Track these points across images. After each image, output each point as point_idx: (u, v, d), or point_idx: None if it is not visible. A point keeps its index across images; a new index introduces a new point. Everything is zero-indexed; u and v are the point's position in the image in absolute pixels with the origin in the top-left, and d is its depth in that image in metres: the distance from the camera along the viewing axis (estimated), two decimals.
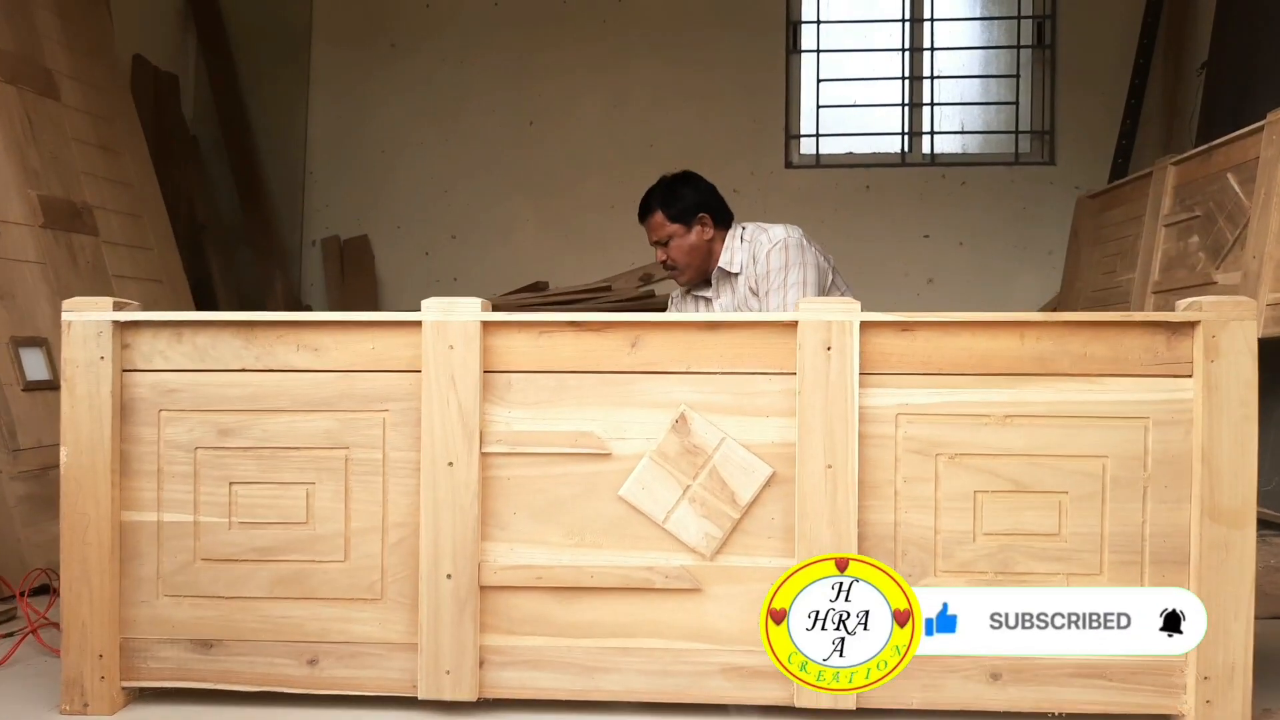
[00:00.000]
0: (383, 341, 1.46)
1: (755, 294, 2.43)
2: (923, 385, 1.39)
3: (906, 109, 4.24)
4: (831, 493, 1.36)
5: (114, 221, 2.83)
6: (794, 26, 4.25)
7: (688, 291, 2.57)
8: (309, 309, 4.22)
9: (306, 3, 4.31)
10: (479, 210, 4.28)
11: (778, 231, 2.41)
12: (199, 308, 3.97)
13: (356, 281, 4.23)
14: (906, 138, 4.25)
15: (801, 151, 4.27)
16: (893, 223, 4.16)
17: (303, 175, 4.32)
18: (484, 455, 1.41)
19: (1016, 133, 4.20)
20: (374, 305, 4.21)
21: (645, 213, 2.49)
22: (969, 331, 1.40)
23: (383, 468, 1.42)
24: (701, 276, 2.51)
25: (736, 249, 2.46)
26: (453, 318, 1.45)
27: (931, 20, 4.24)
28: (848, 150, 4.30)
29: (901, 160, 4.23)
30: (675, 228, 2.44)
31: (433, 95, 4.28)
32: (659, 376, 1.43)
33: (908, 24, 4.25)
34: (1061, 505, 1.37)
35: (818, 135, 4.25)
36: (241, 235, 4.19)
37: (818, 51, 4.25)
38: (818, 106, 4.25)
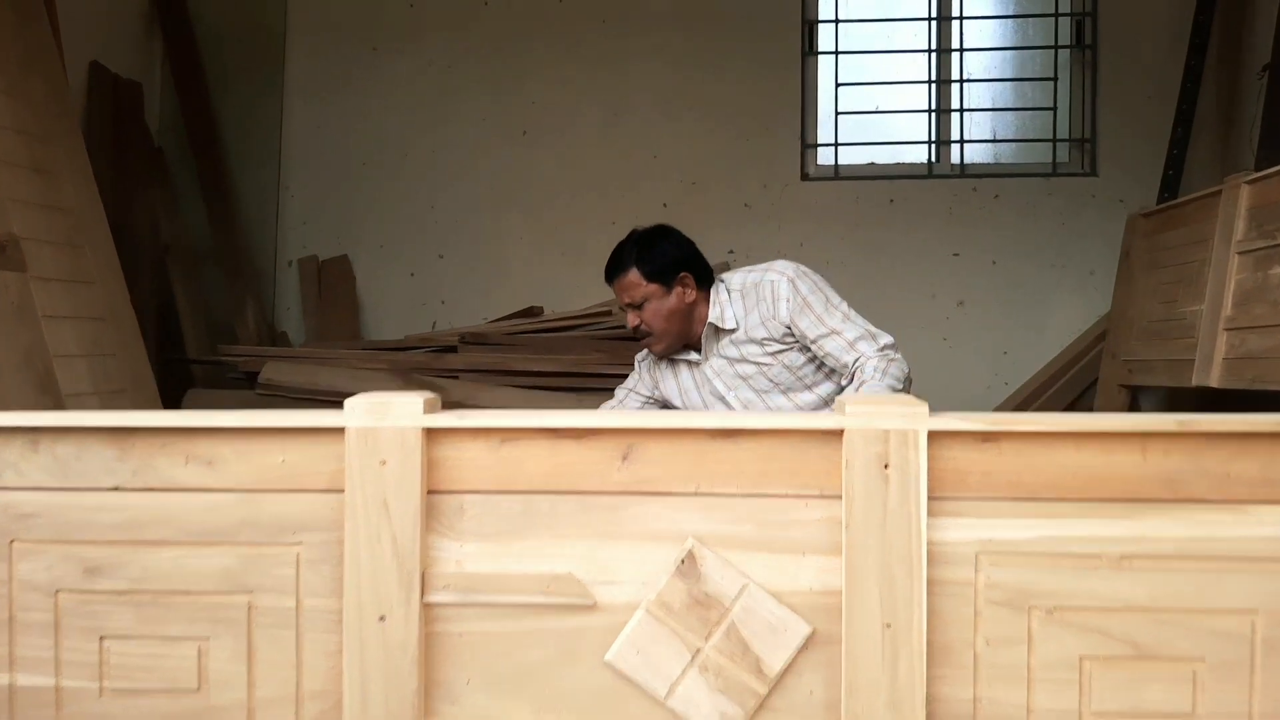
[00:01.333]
0: (296, 453, 1.12)
1: (778, 338, 2.07)
2: (1011, 515, 1.04)
3: (933, 115, 3.89)
4: (891, 659, 1.02)
5: (47, 254, 2.49)
6: (810, 26, 3.90)
7: (662, 358, 2.21)
8: (284, 336, 3.89)
9: (281, 3, 3.98)
10: (468, 227, 3.95)
11: (783, 265, 2.08)
12: (163, 337, 3.65)
13: (336, 305, 3.90)
14: (933, 147, 3.89)
15: (819, 162, 3.92)
16: (919, 240, 3.81)
17: (277, 190, 3.98)
18: (426, 606, 1.07)
19: (1054, 141, 3.84)
20: (355, 331, 3.88)
21: (616, 270, 2.11)
22: (1073, 443, 1.05)
23: (296, 620, 1.08)
24: (679, 344, 2.16)
25: (727, 303, 2.11)
26: (386, 423, 1.11)
27: (960, 18, 3.88)
28: (869, 161, 3.94)
29: (928, 171, 3.88)
30: (652, 288, 2.07)
31: (418, 102, 3.95)
32: (659, 499, 1.09)
33: (934, 23, 3.89)
34: (1196, 677, 1.03)
35: (836, 144, 3.90)
36: (210, 255, 3.86)
37: (836, 53, 3.90)
38: (836, 113, 3.89)
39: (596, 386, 3.33)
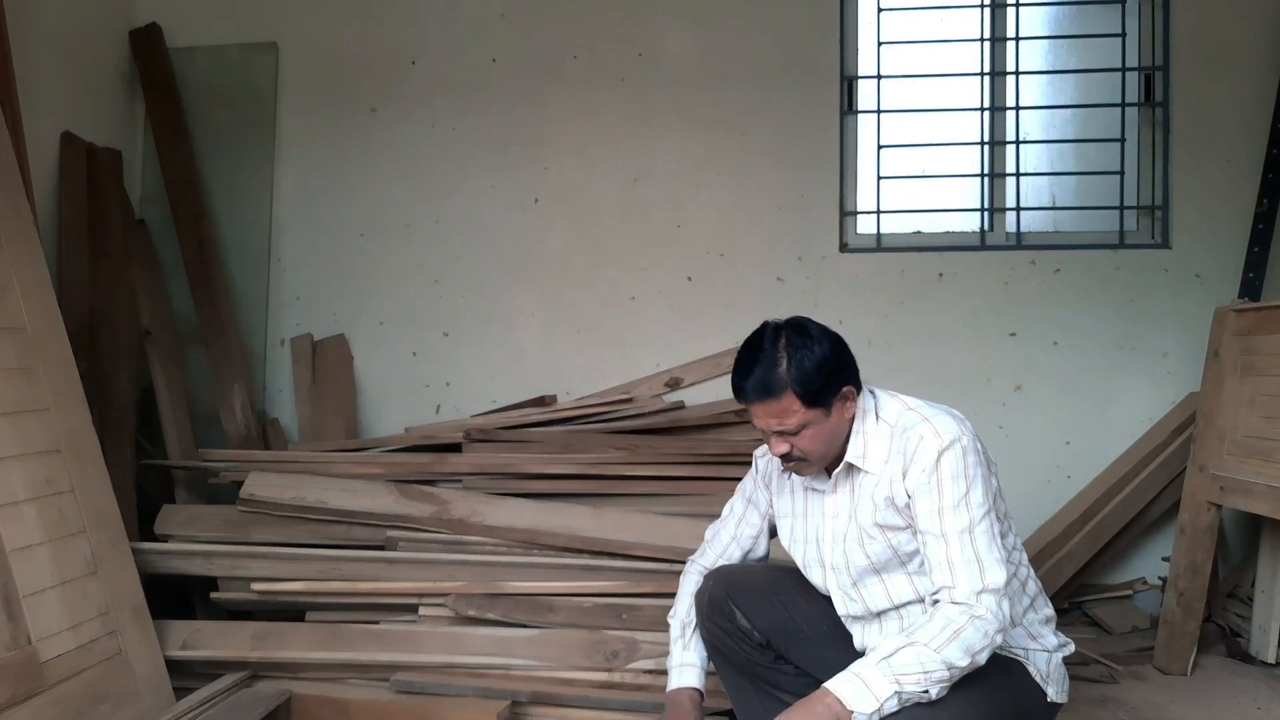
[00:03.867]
0: None
1: (898, 509, 1.73)
2: None
3: (986, 180, 3.54)
4: None
5: None
6: (849, 82, 3.56)
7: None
8: (275, 423, 3.57)
9: (271, 61, 3.67)
10: (475, 303, 3.62)
11: (947, 425, 1.70)
12: (144, 429, 3.34)
13: (331, 389, 3.58)
14: (987, 215, 3.54)
15: (859, 231, 3.58)
16: (972, 318, 3.45)
17: (268, 263, 3.67)
18: None
19: (1121, 208, 3.48)
20: (352, 417, 3.56)
21: (764, 391, 1.70)
22: None
23: None
24: (828, 464, 1.82)
25: (871, 436, 1.76)
26: None
27: (1016, 74, 3.52)
28: (915, 230, 3.60)
29: (981, 243, 3.52)
30: (814, 413, 1.71)
31: (420, 168, 3.63)
32: None
33: (987, 78, 3.54)
34: None
35: (879, 212, 3.55)
36: (195, 336, 3.55)
37: (878, 112, 3.55)
38: (878, 178, 3.55)
39: (618, 491, 3.00)
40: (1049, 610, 1.84)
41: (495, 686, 2.40)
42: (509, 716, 2.34)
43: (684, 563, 2.64)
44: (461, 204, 3.62)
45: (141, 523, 3.04)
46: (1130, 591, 3.28)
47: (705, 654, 1.99)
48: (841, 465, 1.80)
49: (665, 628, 2.47)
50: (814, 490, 1.88)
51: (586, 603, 2.57)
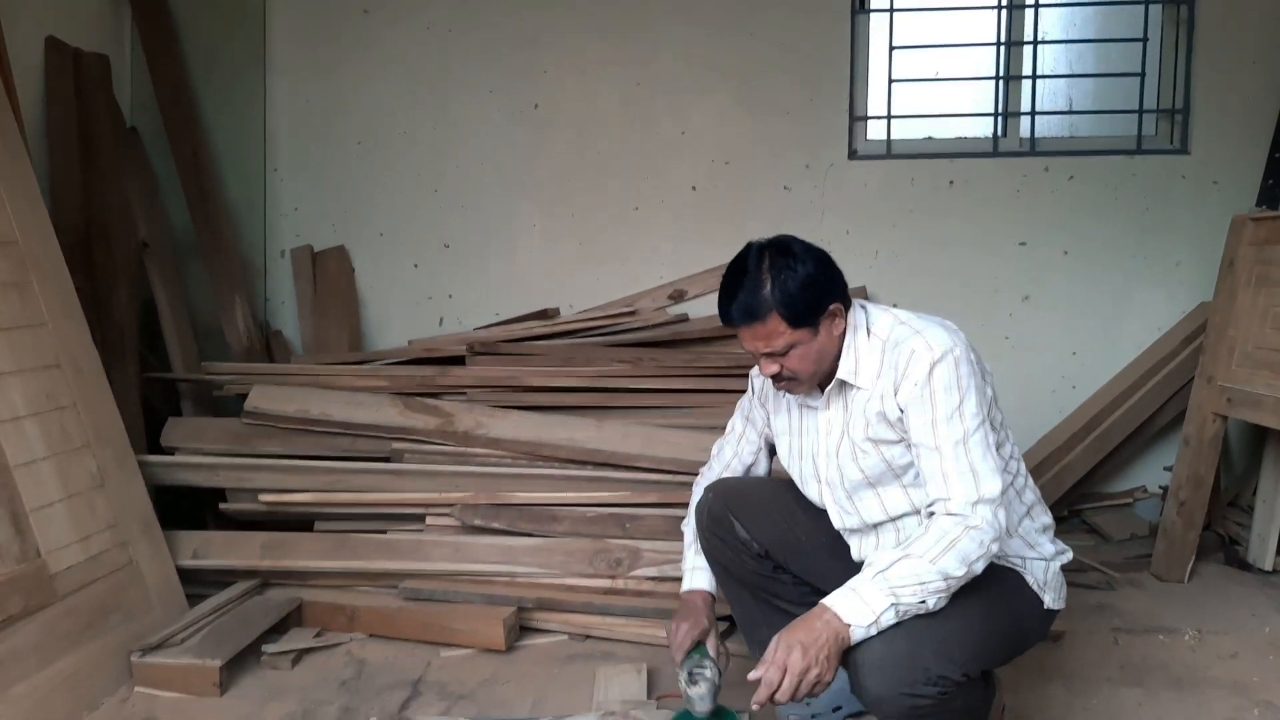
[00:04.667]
0: None
1: (891, 423, 1.71)
2: None
3: (1001, 83, 3.41)
4: None
5: None
6: None
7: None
8: (279, 335, 3.56)
9: None
10: (475, 214, 3.56)
11: (939, 337, 1.65)
12: (146, 342, 3.32)
13: (333, 302, 3.55)
14: (1001, 119, 3.43)
15: (869, 137, 3.47)
16: (982, 227, 3.38)
17: (264, 173, 3.59)
18: None
19: (1140, 112, 3.36)
20: (355, 330, 3.54)
21: (747, 316, 1.66)
22: None
23: None
24: (820, 380, 1.79)
25: (863, 352, 1.73)
26: None
27: None
28: (927, 135, 3.49)
29: (994, 148, 3.42)
30: (800, 334, 1.67)
31: (417, 75, 3.51)
32: None
33: None
34: None
35: (889, 117, 3.44)
36: (194, 248, 3.50)
37: (890, 11, 3.41)
38: (890, 81, 3.43)
39: (621, 405, 3.00)
40: (1047, 518, 1.84)
41: (501, 594, 2.44)
42: (515, 623, 2.39)
43: (687, 475, 2.68)
44: (459, 111, 3.52)
45: (149, 436, 3.07)
46: (1130, 500, 3.30)
47: None
48: (834, 382, 1.78)
49: (668, 537, 2.50)
50: (808, 407, 1.86)
51: (590, 513, 2.60)
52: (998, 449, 1.70)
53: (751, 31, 3.40)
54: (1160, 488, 3.16)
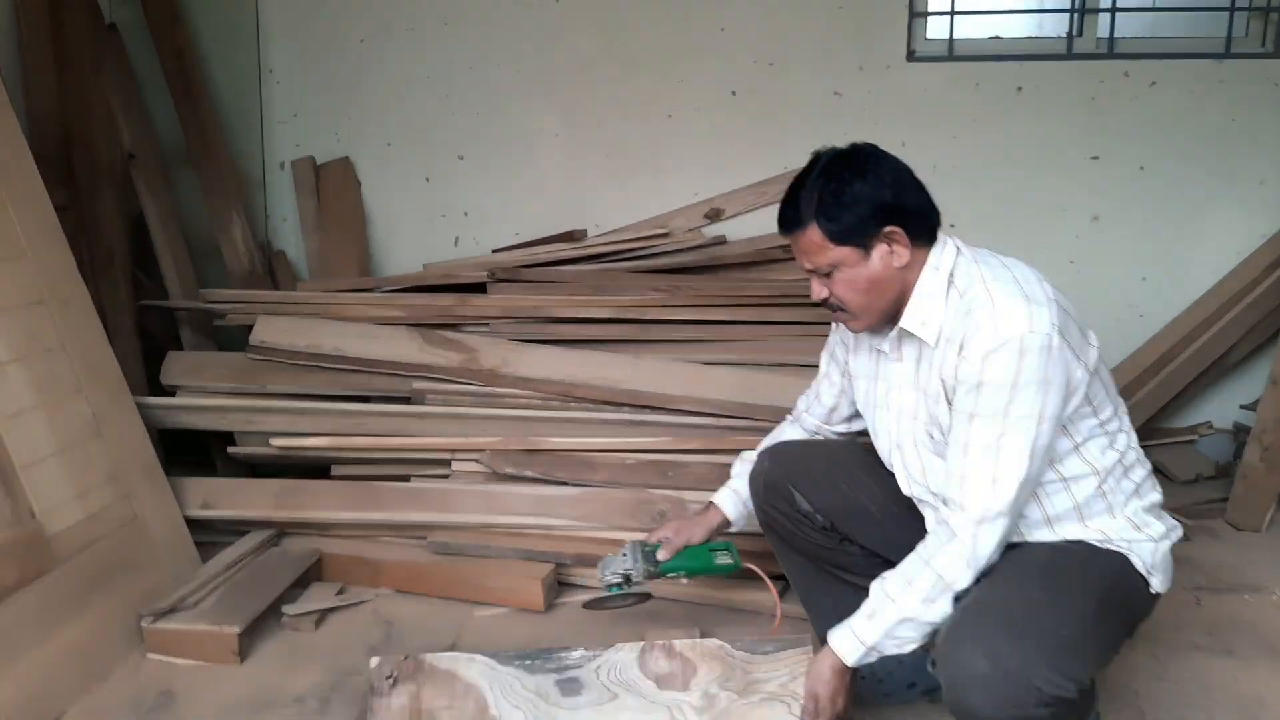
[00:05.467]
0: None
1: (950, 401, 1.50)
2: None
3: None
4: None
5: None
6: None
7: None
8: (281, 256, 3.30)
9: None
10: (493, 121, 3.24)
11: (1014, 316, 1.41)
12: (137, 256, 3.06)
13: (339, 218, 3.27)
14: (1076, 17, 3.08)
15: (928, 36, 3.13)
16: (1050, 138, 3.08)
17: (259, 74, 3.26)
18: None
19: (1232, 9, 3.02)
20: (362, 248, 3.27)
21: (789, 222, 1.51)
22: None
23: None
24: (885, 320, 1.58)
25: (935, 301, 1.51)
26: None
27: None
28: (993, 35, 3.15)
29: (1067, 50, 3.09)
30: (842, 252, 1.48)
31: None
32: None
33: None
34: None
35: (952, 13, 3.09)
36: (184, 158, 3.20)
37: None
38: None
39: (656, 338, 2.76)
40: (1156, 494, 1.64)
41: (536, 548, 2.27)
42: (553, 580, 2.22)
43: (734, 419, 2.47)
44: (472, 2, 3.16)
45: (146, 368, 2.84)
46: (1194, 436, 3.11)
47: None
48: (896, 329, 1.57)
49: (714, 486, 2.29)
50: (880, 352, 1.65)
51: (629, 459, 2.40)
52: (1100, 424, 1.52)
53: None
54: (1234, 425, 2.97)
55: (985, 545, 1.45)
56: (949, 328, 1.49)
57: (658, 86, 3.17)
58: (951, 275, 1.51)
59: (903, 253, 1.49)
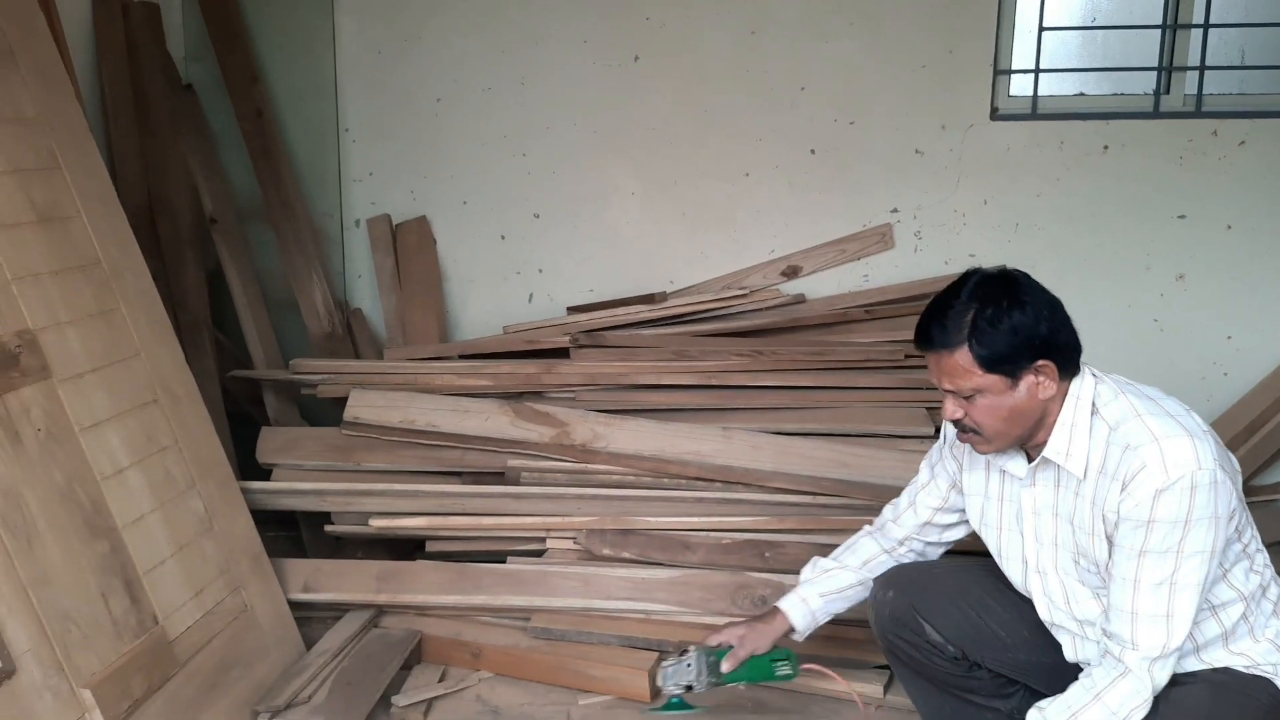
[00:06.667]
0: None
1: (1107, 531, 1.50)
2: None
3: (1166, 33, 3.00)
4: None
5: (72, 339, 1.91)
6: None
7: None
8: (359, 314, 3.31)
9: None
10: (568, 179, 3.23)
11: (1180, 453, 1.41)
12: (218, 321, 3.08)
13: (416, 277, 3.27)
14: (1163, 75, 3.03)
15: (1012, 93, 3.09)
16: (1137, 196, 3.04)
17: (336, 133, 3.26)
18: None
19: None
20: (440, 308, 3.28)
21: (936, 341, 1.50)
22: None
23: None
24: (1013, 446, 1.58)
25: (1080, 433, 1.50)
26: None
27: None
28: (1078, 92, 3.10)
29: (1154, 108, 3.04)
30: (990, 379, 1.47)
31: (501, 22, 3.13)
32: None
33: None
34: None
35: (1036, 70, 3.05)
36: (261, 215, 3.22)
37: None
38: (1040, 28, 3.02)
39: (741, 405, 2.76)
40: None
41: (635, 634, 2.27)
42: (656, 668, 2.22)
43: (828, 496, 2.47)
44: (549, 62, 3.15)
45: (232, 429, 2.87)
46: (1275, 496, 3.07)
47: (829, 608, 1.83)
48: (1039, 458, 1.56)
49: None
50: (1010, 475, 1.64)
51: (725, 539, 2.40)
52: (1243, 548, 1.52)
53: None
54: None
55: (1160, 681, 1.46)
56: (1103, 461, 1.48)
57: (735, 144, 3.15)
58: (1094, 405, 1.51)
59: (1050, 386, 1.49)
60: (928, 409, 2.69)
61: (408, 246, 3.26)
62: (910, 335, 2.91)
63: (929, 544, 1.85)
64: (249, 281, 3.10)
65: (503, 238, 3.29)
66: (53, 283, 1.89)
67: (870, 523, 1.92)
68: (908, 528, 1.85)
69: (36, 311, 1.82)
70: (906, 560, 1.83)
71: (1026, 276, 1.52)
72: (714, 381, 2.79)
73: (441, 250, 3.32)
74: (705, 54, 3.10)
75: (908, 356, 2.84)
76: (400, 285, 3.25)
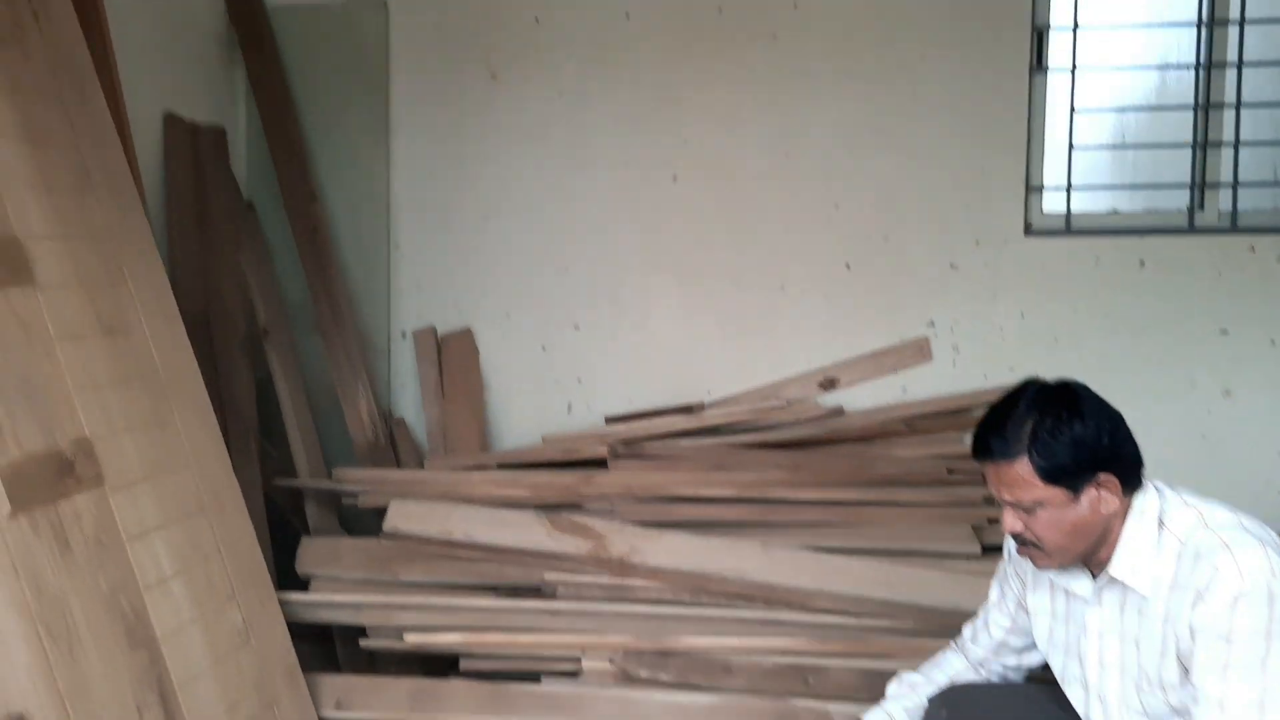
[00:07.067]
0: None
1: (1181, 655, 1.43)
2: None
3: (1197, 151, 3.05)
4: None
5: (128, 448, 1.95)
6: (1040, 34, 3.06)
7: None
8: (401, 424, 3.35)
9: (381, 20, 3.30)
10: (607, 292, 3.31)
11: (1255, 559, 1.37)
12: (262, 417, 3.13)
13: (459, 388, 3.32)
14: (1196, 192, 3.07)
15: (1045, 210, 3.14)
16: (1177, 311, 3.03)
17: (387, 248, 3.38)
18: None
19: None
20: (481, 418, 3.31)
21: (995, 451, 1.48)
22: None
23: None
24: (1075, 562, 1.54)
25: (1148, 549, 1.46)
26: None
27: (1241, 23, 2.99)
28: (1111, 209, 3.15)
29: (1189, 224, 3.07)
30: (1051, 492, 1.45)
31: (546, 143, 3.27)
32: None
33: (1204, 29, 3.01)
34: None
35: (1069, 188, 3.10)
36: (312, 326, 3.31)
37: (1073, 70, 3.06)
38: (1070, 148, 3.09)
39: (781, 519, 2.73)
40: None
41: None
42: None
43: (870, 616, 2.40)
44: (591, 181, 3.27)
45: (272, 535, 2.88)
46: None
47: None
48: (1104, 576, 1.51)
49: (859, 696, 2.23)
50: (1072, 595, 1.59)
51: (766, 662, 2.33)
52: None
53: (915, 94, 3.09)
54: None
55: None
56: (1173, 575, 1.44)
57: (771, 258, 3.21)
58: (1161, 519, 1.48)
59: (1112, 500, 1.47)
60: (974, 527, 2.64)
61: (452, 358, 3.32)
62: (952, 449, 2.91)
63: (1007, 668, 1.79)
64: (297, 391, 3.17)
65: (543, 348, 3.35)
66: (112, 392, 1.95)
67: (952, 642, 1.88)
68: (984, 648, 1.80)
69: (95, 420, 1.87)
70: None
71: (1086, 389, 1.52)
72: (753, 494, 2.77)
73: (484, 361, 3.38)
74: (741, 173, 3.20)
75: (951, 471, 2.82)
76: (443, 395, 3.30)
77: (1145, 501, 1.49)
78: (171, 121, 3.02)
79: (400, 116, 3.33)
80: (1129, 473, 1.48)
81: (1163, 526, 1.47)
